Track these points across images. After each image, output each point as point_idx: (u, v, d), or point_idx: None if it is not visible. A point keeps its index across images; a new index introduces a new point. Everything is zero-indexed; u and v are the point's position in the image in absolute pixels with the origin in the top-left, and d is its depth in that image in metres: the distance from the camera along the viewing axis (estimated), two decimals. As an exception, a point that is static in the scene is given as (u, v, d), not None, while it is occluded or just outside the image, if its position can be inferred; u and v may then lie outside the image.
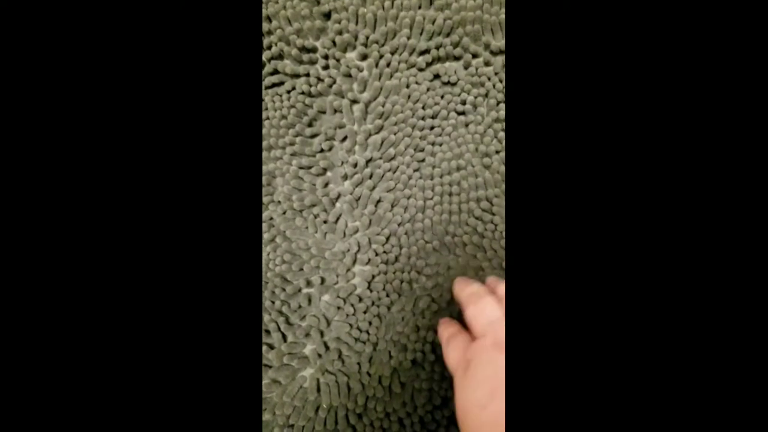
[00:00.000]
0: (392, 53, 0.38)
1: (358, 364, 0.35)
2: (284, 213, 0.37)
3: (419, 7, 0.38)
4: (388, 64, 0.38)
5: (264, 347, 0.36)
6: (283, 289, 0.36)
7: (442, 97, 0.38)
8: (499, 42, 0.38)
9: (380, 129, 0.38)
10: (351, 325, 0.36)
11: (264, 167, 0.38)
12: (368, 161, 0.37)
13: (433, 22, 0.38)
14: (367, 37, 0.38)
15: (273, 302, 0.36)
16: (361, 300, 0.36)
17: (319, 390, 0.35)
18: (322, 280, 0.37)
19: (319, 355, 0.35)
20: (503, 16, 0.37)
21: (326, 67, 0.38)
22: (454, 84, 0.38)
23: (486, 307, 0.28)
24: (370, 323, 0.36)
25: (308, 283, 0.37)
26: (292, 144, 0.38)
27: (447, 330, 0.31)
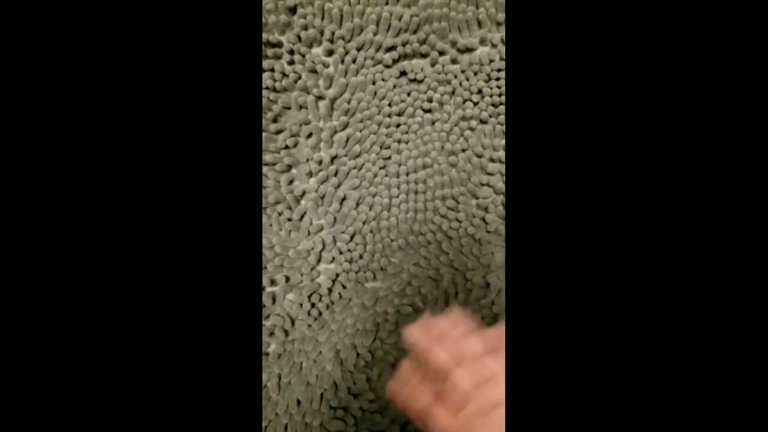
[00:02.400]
0: (358, 49, 0.38)
1: (315, 362, 0.35)
2: (248, 210, 0.37)
3: (386, 4, 0.38)
4: (354, 61, 0.37)
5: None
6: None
7: (408, 94, 0.38)
8: (466, 39, 0.38)
9: (346, 126, 0.37)
10: (310, 325, 0.35)
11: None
12: (333, 158, 0.37)
13: (400, 19, 0.37)
14: (333, 33, 0.37)
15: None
16: (321, 298, 0.36)
17: (280, 389, 0.35)
18: (287, 279, 0.36)
19: (279, 356, 0.35)
20: (470, 13, 0.37)
21: (291, 63, 0.38)
22: (420, 81, 0.38)
23: (476, 369, 0.22)
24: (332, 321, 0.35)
25: (272, 282, 0.36)
26: (256, 140, 0.37)
27: (420, 395, 0.23)
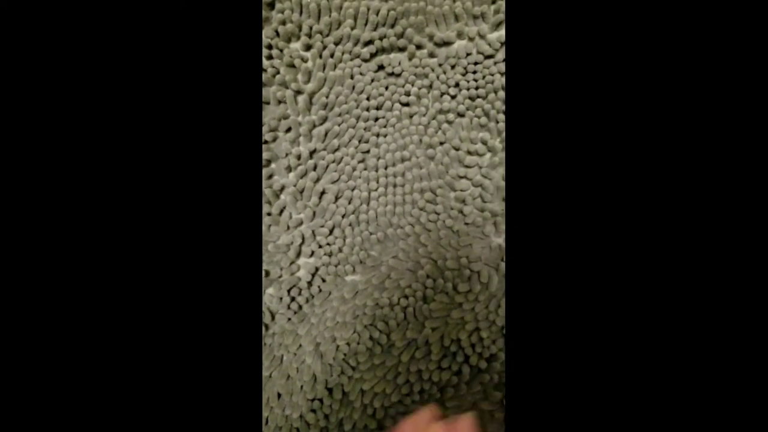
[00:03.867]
0: (336, 44, 0.38)
1: (295, 356, 0.35)
2: (227, 205, 0.37)
3: (363, -2, 0.38)
4: (332, 55, 0.38)
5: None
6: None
7: (386, 88, 0.38)
8: (443, 33, 0.38)
9: (324, 120, 0.37)
10: (290, 319, 0.35)
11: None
12: (312, 152, 0.37)
13: (377, 13, 0.37)
14: (311, 28, 0.37)
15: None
16: (301, 292, 0.36)
17: (261, 383, 0.35)
18: (266, 273, 0.36)
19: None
20: (447, 7, 0.38)
21: (270, 57, 0.38)
22: (398, 75, 0.38)
23: None
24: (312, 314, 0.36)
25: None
26: (234, 135, 0.37)
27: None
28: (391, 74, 0.38)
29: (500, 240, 0.36)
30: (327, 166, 0.37)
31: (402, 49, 0.38)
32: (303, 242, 0.36)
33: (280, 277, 0.36)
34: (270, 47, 0.38)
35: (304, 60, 0.38)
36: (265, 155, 0.37)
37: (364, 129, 0.37)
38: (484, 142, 0.37)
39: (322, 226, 0.36)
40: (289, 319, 0.36)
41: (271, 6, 0.38)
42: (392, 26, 0.38)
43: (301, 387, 0.35)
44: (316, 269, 0.36)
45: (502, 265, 0.36)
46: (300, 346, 0.36)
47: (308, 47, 0.38)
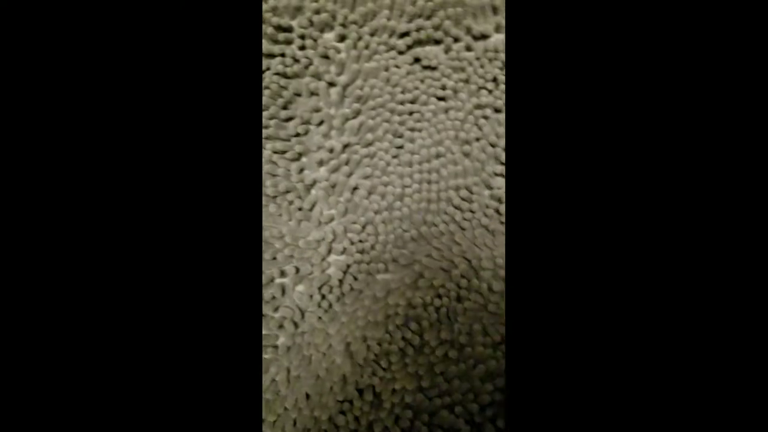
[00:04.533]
0: (371, 35, 0.37)
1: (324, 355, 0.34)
2: (256, 199, 0.36)
3: (400, -12, 0.37)
4: (367, 47, 0.37)
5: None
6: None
7: (422, 81, 0.37)
8: (481, 26, 0.37)
9: (358, 113, 0.36)
10: (320, 317, 0.34)
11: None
12: (345, 147, 0.36)
13: (414, 4, 0.36)
14: (346, 18, 0.36)
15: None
16: (332, 290, 0.35)
17: (289, 383, 0.34)
18: (297, 270, 0.35)
19: (288, 348, 0.34)
20: (485, -1, 0.36)
21: (302, 48, 0.37)
22: (434, 68, 0.37)
23: None
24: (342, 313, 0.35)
25: (282, 273, 0.35)
26: (266, 127, 0.36)
27: None
28: (427, 67, 0.37)
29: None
30: (360, 161, 0.36)
31: (438, 42, 0.37)
32: (334, 239, 0.35)
33: (311, 274, 0.35)
34: (303, 37, 0.37)
35: (338, 51, 0.37)
36: (296, 148, 0.36)
37: (399, 123, 0.36)
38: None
39: (354, 223, 0.35)
40: (320, 317, 0.35)
41: (304, -5, 0.37)
42: (429, 18, 0.37)
43: (331, 388, 0.34)
44: (348, 267, 0.35)
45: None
46: (330, 345, 0.35)
47: (342, 38, 0.37)
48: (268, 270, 0.35)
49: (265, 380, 0.34)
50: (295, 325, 0.35)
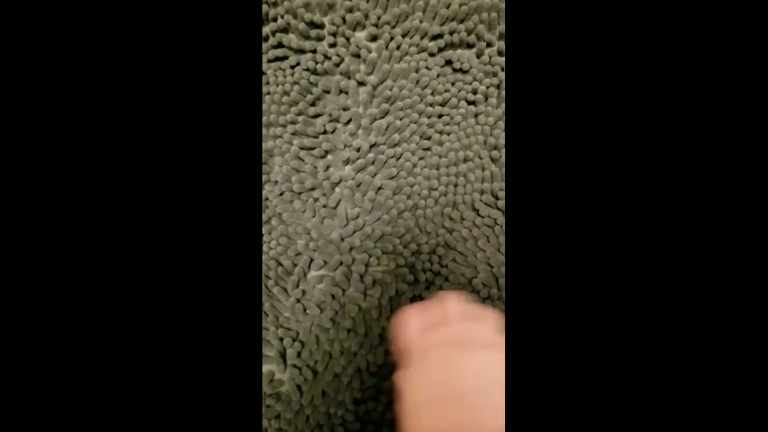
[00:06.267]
0: (403, 36, 0.37)
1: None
2: (281, 194, 0.36)
3: (434, -10, 0.37)
4: (399, 47, 0.36)
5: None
6: (279, 274, 0.35)
7: (452, 84, 0.37)
8: (514, 32, 0.37)
9: (386, 113, 0.36)
10: (336, 312, 0.34)
11: (262, 144, 0.36)
12: (372, 146, 0.36)
13: (448, 7, 0.36)
14: (379, 18, 0.36)
15: (266, 286, 0.35)
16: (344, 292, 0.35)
17: (306, 380, 0.34)
18: (319, 267, 0.35)
19: (303, 345, 0.34)
20: (520, 5, 0.36)
21: (334, 45, 0.37)
22: (465, 72, 0.37)
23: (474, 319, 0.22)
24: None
25: (304, 270, 0.35)
26: (293, 123, 0.36)
27: (413, 308, 0.24)
28: (459, 71, 0.37)
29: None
30: (386, 161, 0.36)
31: (471, 46, 0.37)
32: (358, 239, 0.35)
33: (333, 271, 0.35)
34: (335, 34, 0.36)
35: (369, 50, 0.37)
36: (324, 145, 0.36)
37: (427, 125, 0.36)
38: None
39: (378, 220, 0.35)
40: (336, 312, 0.35)
41: (338, -8, 0.37)
42: (462, 21, 0.37)
43: (348, 384, 0.34)
44: (365, 267, 0.35)
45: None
46: (350, 342, 0.35)
47: (374, 37, 0.37)
48: (291, 265, 0.35)
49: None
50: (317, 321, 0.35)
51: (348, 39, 0.36)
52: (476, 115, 0.36)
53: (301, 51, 0.37)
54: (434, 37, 0.37)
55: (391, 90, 0.36)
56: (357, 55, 0.37)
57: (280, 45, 0.37)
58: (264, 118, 0.36)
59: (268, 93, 0.36)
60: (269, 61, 0.37)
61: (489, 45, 0.37)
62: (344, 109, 0.36)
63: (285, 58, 0.37)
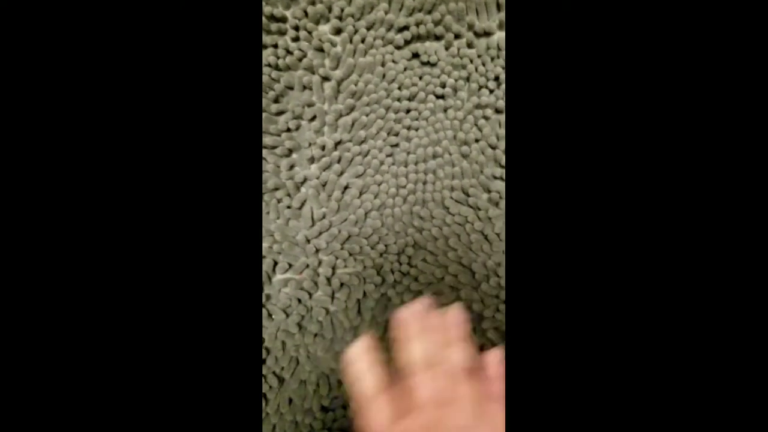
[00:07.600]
0: (368, 28, 0.35)
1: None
2: (244, 196, 0.34)
3: (400, -20, 0.35)
4: (363, 40, 0.35)
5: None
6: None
7: (420, 78, 0.35)
8: (484, 23, 0.35)
9: (352, 109, 0.35)
10: (303, 316, 0.33)
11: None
12: (337, 144, 0.35)
13: (414, -3, 0.35)
14: (342, 10, 0.35)
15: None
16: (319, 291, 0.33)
17: (271, 388, 0.33)
18: (284, 270, 0.34)
19: (268, 352, 0.33)
20: (489, -6, 0.35)
21: (296, 39, 0.35)
22: (433, 65, 0.35)
23: (445, 384, 0.19)
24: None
25: (269, 274, 0.34)
26: (255, 121, 0.34)
27: (372, 376, 0.21)
28: (426, 63, 0.35)
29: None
30: (352, 159, 0.35)
31: (439, 38, 0.35)
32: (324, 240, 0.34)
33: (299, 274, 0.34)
34: (297, 28, 0.35)
35: (333, 44, 0.35)
36: (287, 144, 0.34)
37: (395, 121, 0.35)
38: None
39: (344, 221, 0.34)
40: (303, 317, 0.33)
41: (301, -16, 0.35)
42: (429, 12, 0.35)
43: (314, 392, 0.33)
44: (332, 269, 0.34)
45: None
46: (317, 349, 0.33)
47: (338, 31, 0.35)
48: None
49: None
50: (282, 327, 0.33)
51: (311, 33, 0.35)
52: (445, 110, 0.35)
53: (262, 46, 0.35)
54: (400, 29, 0.35)
55: (356, 85, 0.35)
56: (320, 49, 0.35)
57: (240, 40, 0.35)
58: (224, 117, 0.34)
59: (229, 90, 0.35)
60: (229, 57, 0.35)
61: (457, 37, 0.35)
62: (308, 106, 0.35)
63: (245, 53, 0.35)
